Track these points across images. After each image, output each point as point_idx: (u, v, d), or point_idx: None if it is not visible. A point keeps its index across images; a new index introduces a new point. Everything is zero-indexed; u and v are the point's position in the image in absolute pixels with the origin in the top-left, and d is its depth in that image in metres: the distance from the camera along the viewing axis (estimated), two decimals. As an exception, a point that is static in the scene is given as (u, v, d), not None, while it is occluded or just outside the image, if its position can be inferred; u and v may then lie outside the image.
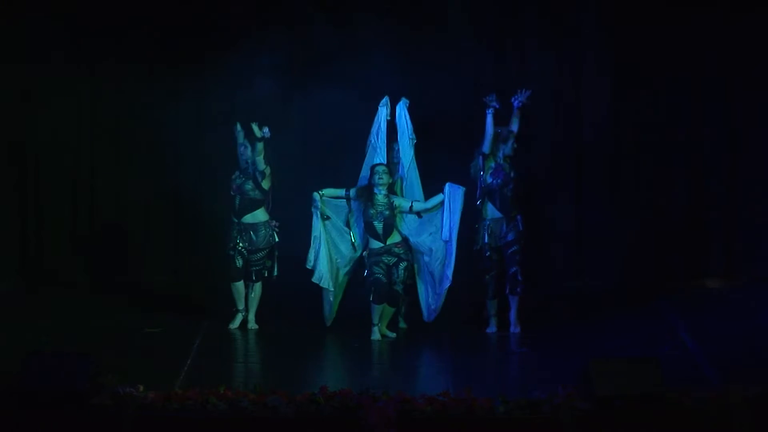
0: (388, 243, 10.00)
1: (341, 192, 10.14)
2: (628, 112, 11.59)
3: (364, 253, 10.08)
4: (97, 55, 11.51)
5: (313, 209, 10.03)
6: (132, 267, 11.73)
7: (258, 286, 10.33)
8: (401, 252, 10.01)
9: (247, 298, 10.33)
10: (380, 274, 9.95)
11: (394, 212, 10.02)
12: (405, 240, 10.06)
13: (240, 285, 10.27)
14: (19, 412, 7.51)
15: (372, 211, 9.99)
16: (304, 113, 11.31)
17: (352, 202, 10.14)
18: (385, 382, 8.13)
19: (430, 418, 7.47)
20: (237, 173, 10.24)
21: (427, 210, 10.04)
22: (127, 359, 8.93)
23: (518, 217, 10.10)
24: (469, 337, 10.16)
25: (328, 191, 10.13)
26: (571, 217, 11.68)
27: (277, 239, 10.27)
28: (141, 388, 7.74)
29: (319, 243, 10.01)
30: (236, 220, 10.24)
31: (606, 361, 7.69)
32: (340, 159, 11.02)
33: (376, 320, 10.01)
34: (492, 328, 10.21)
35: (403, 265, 10.00)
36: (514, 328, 10.14)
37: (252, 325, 10.35)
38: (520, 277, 10.09)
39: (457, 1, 11.40)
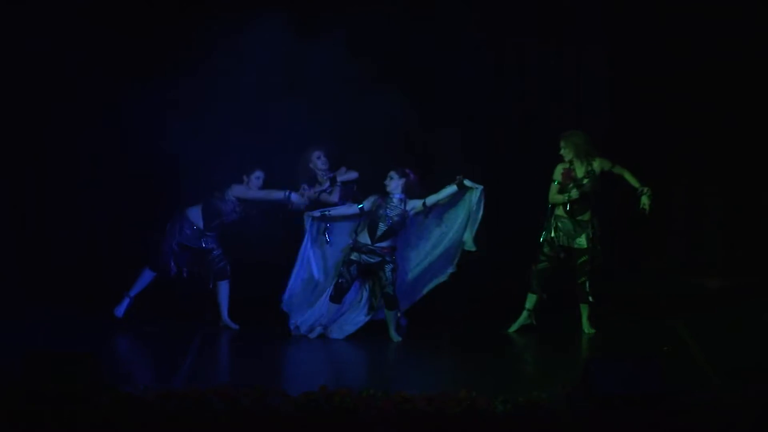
0: (375, 244, 10.03)
1: (354, 209, 10.19)
2: (627, 112, 11.58)
3: (350, 243, 10.15)
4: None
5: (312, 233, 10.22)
6: (131, 266, 11.72)
7: (224, 285, 10.46)
8: (386, 254, 10.05)
9: (217, 299, 10.47)
10: (345, 278, 10.05)
11: (405, 220, 10.06)
12: (392, 248, 10.10)
13: (152, 277, 10.45)
14: (19, 411, 7.49)
15: (383, 212, 10.03)
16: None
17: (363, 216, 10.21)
18: (385, 382, 8.14)
19: (430, 418, 7.47)
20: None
21: (440, 200, 10.09)
22: (127, 358, 8.96)
23: (593, 225, 10.17)
24: (469, 337, 10.18)
25: (335, 210, 10.23)
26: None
27: None
28: (141, 387, 7.74)
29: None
30: (202, 229, 10.44)
31: (606, 361, 7.68)
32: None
33: (324, 320, 10.10)
34: (515, 326, 10.29)
35: (389, 267, 10.05)
36: (588, 329, 10.21)
37: (230, 323, 10.42)
38: (588, 288, 10.17)
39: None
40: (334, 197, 10.50)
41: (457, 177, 10.04)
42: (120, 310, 10.42)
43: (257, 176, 10.49)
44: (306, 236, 10.26)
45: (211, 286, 10.52)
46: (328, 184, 10.44)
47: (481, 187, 10.04)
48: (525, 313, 10.31)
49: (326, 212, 10.21)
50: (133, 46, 11.28)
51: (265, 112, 11.14)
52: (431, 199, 10.09)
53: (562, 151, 10.16)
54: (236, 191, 10.48)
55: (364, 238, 10.08)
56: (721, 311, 10.59)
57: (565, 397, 7.56)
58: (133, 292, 10.45)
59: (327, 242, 10.22)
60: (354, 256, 10.10)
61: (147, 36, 11.30)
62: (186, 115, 10.97)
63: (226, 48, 11.09)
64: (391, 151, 10.96)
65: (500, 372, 8.98)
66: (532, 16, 11.49)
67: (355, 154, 10.83)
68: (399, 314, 10.16)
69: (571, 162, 10.17)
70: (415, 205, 10.09)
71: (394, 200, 10.06)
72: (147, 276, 10.49)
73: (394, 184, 10.08)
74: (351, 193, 10.53)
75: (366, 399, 7.51)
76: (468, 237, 10.07)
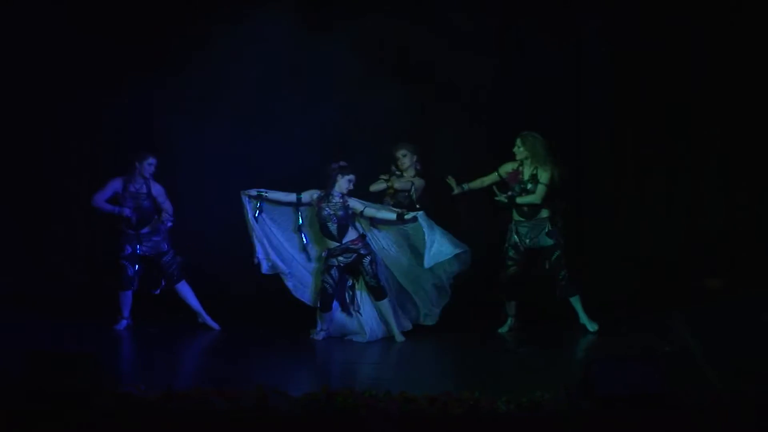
0: (344, 242, 10.05)
1: (292, 197, 10.17)
2: (628, 110, 11.57)
3: (324, 253, 10.16)
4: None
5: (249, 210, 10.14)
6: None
7: (183, 286, 10.41)
8: (359, 247, 10.09)
9: (186, 302, 10.41)
10: (328, 283, 10.08)
11: (348, 212, 10.07)
12: (362, 236, 10.13)
13: (130, 294, 10.29)
14: (20, 411, 7.47)
15: (326, 213, 10.04)
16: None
17: (301, 209, 10.20)
18: (388, 382, 8.12)
19: (433, 418, 7.46)
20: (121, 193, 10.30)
21: (375, 217, 10.14)
22: (128, 359, 8.94)
23: (551, 221, 10.25)
24: (471, 337, 10.19)
25: (273, 194, 10.18)
26: (573, 218, 11.67)
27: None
28: (142, 387, 7.72)
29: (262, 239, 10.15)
30: (133, 232, 10.31)
31: (608, 362, 7.68)
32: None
33: (321, 326, 10.16)
34: (504, 328, 10.37)
35: (366, 260, 10.11)
36: (590, 324, 10.27)
37: (211, 323, 10.38)
38: (571, 280, 10.26)
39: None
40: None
41: (398, 211, 10.08)
42: (120, 326, 10.35)
43: (150, 162, 10.22)
44: (248, 215, 10.18)
45: (157, 292, 10.41)
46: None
47: (418, 213, 10.03)
48: (510, 320, 10.40)
49: (263, 192, 10.17)
50: (136, 45, 11.27)
51: (267, 109, 11.15)
52: (369, 211, 10.14)
53: (515, 149, 10.24)
54: (112, 186, 10.23)
55: (331, 243, 10.11)
56: (722, 311, 10.58)
57: (567, 398, 7.56)
58: (125, 313, 10.36)
59: (257, 215, 10.13)
60: (331, 261, 10.11)
61: (150, 35, 11.29)
62: (189, 115, 10.98)
63: (228, 46, 11.09)
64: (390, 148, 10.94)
65: (503, 372, 9.00)
66: (535, 11, 11.48)
67: (356, 150, 10.85)
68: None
69: (521, 163, 10.23)
70: (355, 205, 10.11)
71: (334, 198, 10.08)
72: (124, 297, 10.33)
73: (340, 184, 10.08)
74: (404, 199, 10.46)
75: (368, 399, 7.49)
76: (427, 258, 9.94)
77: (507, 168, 10.32)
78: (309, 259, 10.29)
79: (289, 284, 10.27)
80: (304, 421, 7.46)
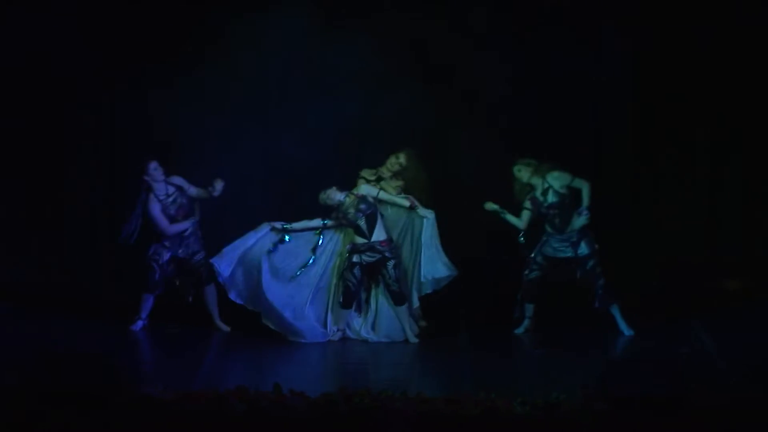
0: (372, 240, 10.06)
1: (317, 222, 10.20)
2: (647, 111, 11.55)
3: (348, 247, 10.17)
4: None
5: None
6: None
7: (211, 289, 10.43)
8: (385, 250, 10.09)
9: (206, 303, 10.43)
10: (351, 282, 10.08)
11: (369, 201, 10.08)
12: (389, 240, 10.13)
13: (152, 298, 10.33)
14: (37, 412, 7.50)
15: (351, 214, 10.05)
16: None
17: (324, 231, 10.24)
18: (404, 383, 8.15)
19: (449, 419, 7.47)
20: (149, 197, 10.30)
21: (388, 201, 10.15)
22: (146, 359, 8.95)
23: (581, 234, 10.26)
24: (487, 338, 10.19)
25: (299, 224, 10.20)
26: (591, 222, 11.66)
27: None
28: (160, 388, 7.75)
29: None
30: (169, 234, 10.34)
31: (624, 363, 7.69)
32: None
33: (341, 325, 10.19)
34: (521, 329, 10.38)
35: (390, 263, 10.10)
36: (627, 330, 10.23)
37: (222, 326, 10.41)
38: (609, 288, 10.25)
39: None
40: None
41: (412, 200, 10.12)
42: (136, 327, 10.38)
43: (153, 168, 10.21)
44: (251, 238, 10.16)
45: (190, 300, 10.47)
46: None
47: (429, 212, 10.08)
48: (526, 322, 10.41)
49: (287, 226, 10.18)
50: (147, 43, 11.29)
51: (281, 109, 11.18)
52: (383, 195, 10.16)
53: (518, 176, 10.31)
54: (155, 209, 10.28)
55: (359, 240, 10.12)
56: (739, 312, 10.57)
57: (583, 399, 7.56)
58: (143, 315, 10.38)
59: (280, 244, 10.13)
60: (355, 258, 10.12)
61: (164, 32, 11.31)
62: (202, 113, 11.01)
63: (243, 45, 11.10)
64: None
65: (519, 373, 9.01)
66: (553, 12, 11.47)
67: (370, 148, 10.88)
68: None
69: (530, 186, 10.28)
70: (369, 190, 10.14)
71: (346, 201, 10.11)
72: (147, 299, 10.37)
73: (333, 197, 10.12)
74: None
75: (385, 400, 7.51)
76: (427, 267, 10.03)
77: (527, 203, 10.34)
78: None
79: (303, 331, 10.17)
80: (321, 422, 7.48)
